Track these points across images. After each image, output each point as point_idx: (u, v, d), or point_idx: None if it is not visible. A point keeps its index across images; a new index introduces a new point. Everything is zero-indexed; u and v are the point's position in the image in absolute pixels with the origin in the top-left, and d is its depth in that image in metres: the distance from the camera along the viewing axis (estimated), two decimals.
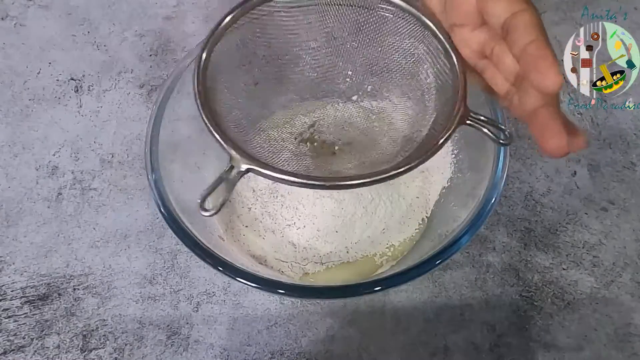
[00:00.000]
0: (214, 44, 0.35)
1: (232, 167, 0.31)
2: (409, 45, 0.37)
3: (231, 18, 0.35)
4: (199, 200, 0.31)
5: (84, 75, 0.55)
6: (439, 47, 0.35)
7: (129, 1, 0.59)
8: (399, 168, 0.32)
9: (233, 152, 0.32)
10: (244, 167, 0.31)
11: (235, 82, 0.38)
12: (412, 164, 0.32)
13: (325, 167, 0.39)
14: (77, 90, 0.54)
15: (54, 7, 0.58)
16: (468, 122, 0.32)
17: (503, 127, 0.33)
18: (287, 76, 0.41)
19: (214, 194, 0.47)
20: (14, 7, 0.58)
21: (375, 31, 0.38)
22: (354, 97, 0.43)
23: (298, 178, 0.31)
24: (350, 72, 0.41)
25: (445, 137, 0.32)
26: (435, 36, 0.35)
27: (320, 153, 0.42)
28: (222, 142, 0.32)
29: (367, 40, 0.38)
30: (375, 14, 0.37)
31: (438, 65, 0.35)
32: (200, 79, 0.34)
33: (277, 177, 0.31)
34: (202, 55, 0.34)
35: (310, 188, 0.32)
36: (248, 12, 0.36)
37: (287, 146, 0.40)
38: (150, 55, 0.56)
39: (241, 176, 0.31)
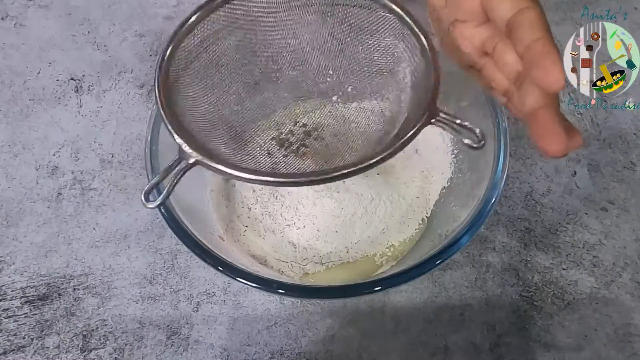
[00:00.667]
0: (187, 32, 0.34)
1: (179, 159, 0.31)
2: (389, 43, 0.36)
3: (203, 11, 0.35)
4: (143, 192, 0.31)
5: (84, 75, 0.55)
6: (417, 44, 0.34)
7: (129, 1, 0.59)
8: (355, 166, 0.31)
9: (182, 142, 0.31)
10: (192, 159, 0.31)
11: (209, 77, 0.37)
12: (367, 164, 0.31)
13: (298, 168, 0.38)
14: (77, 90, 0.54)
15: (54, 7, 0.58)
16: (435, 122, 0.31)
17: (473, 129, 0.32)
18: (266, 74, 0.40)
19: (216, 191, 0.47)
20: (14, 7, 0.58)
21: (356, 30, 0.37)
22: (334, 98, 0.42)
23: (250, 174, 0.31)
24: (331, 72, 0.40)
25: (408, 136, 0.31)
26: (414, 34, 0.34)
27: (294, 153, 0.41)
28: (173, 132, 0.31)
29: (348, 39, 0.38)
30: (355, 11, 0.36)
31: (414, 63, 0.35)
32: (164, 66, 0.33)
33: (227, 172, 0.31)
34: (170, 41, 0.34)
35: (261, 184, 0.32)
36: (222, 6, 0.35)
37: (261, 147, 0.40)
38: (150, 55, 0.56)
39: (188, 168, 0.31)
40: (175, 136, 0.31)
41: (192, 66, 0.36)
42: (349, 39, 0.38)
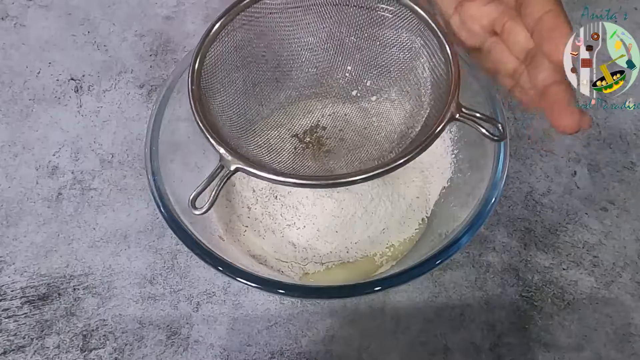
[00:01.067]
0: (210, 43, 0.35)
1: (221, 167, 0.32)
2: (406, 39, 0.37)
3: (227, 17, 0.36)
4: (190, 199, 0.31)
5: (84, 75, 0.55)
6: (435, 40, 0.34)
7: (129, 1, 0.59)
8: (390, 165, 0.31)
9: (223, 151, 0.32)
10: (233, 166, 0.32)
11: (233, 81, 0.38)
12: (403, 160, 0.31)
13: (323, 166, 0.39)
14: (77, 90, 0.54)
15: (54, 7, 0.58)
16: (459, 117, 0.32)
17: (497, 120, 0.33)
18: (287, 73, 0.41)
19: (216, 193, 0.47)
20: (14, 7, 0.58)
21: (373, 26, 0.38)
22: (354, 92, 0.43)
23: (289, 178, 0.32)
24: (349, 67, 0.41)
25: (436, 132, 0.32)
26: (431, 30, 0.34)
27: (319, 151, 0.42)
28: (213, 142, 0.32)
29: (366, 35, 0.39)
30: (374, 12, 0.37)
31: (434, 60, 0.35)
32: (195, 78, 0.34)
33: (267, 177, 0.32)
34: (197, 54, 0.35)
35: (302, 187, 0.33)
36: (244, 10, 0.36)
37: (285, 145, 0.40)
38: (150, 55, 0.56)
39: (230, 175, 0.32)
40: (216, 145, 0.32)
41: (218, 73, 0.36)
42: (366, 35, 0.39)
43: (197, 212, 0.31)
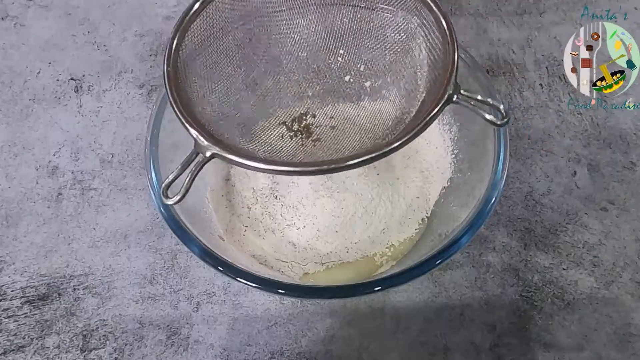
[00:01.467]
0: (190, 22, 0.33)
1: (196, 153, 0.30)
2: (401, 18, 0.35)
3: None
4: (162, 187, 0.30)
5: (84, 75, 0.55)
6: (432, 18, 0.33)
7: (129, 1, 0.59)
8: (381, 149, 0.30)
9: (198, 136, 0.30)
10: (208, 152, 0.30)
11: (216, 64, 0.36)
12: (397, 144, 0.30)
13: (311, 155, 0.37)
14: (77, 90, 0.54)
15: (54, 7, 0.58)
16: (458, 99, 0.30)
17: (497, 104, 0.31)
18: (275, 56, 0.39)
19: (216, 191, 0.47)
20: (14, 7, 0.58)
21: (367, 5, 0.36)
22: (347, 78, 0.41)
23: (268, 165, 0.30)
24: (342, 51, 0.39)
25: (433, 114, 0.30)
26: (429, 8, 0.33)
27: (307, 140, 0.40)
28: (187, 125, 0.30)
29: (359, 15, 0.37)
30: None
31: (431, 39, 0.34)
32: (172, 59, 0.32)
33: (244, 164, 0.30)
34: (174, 33, 0.33)
35: (282, 174, 0.30)
36: None
37: (271, 133, 0.38)
38: (150, 55, 0.56)
39: (206, 162, 0.30)
40: (190, 129, 0.30)
41: (200, 55, 0.34)
42: (359, 16, 0.37)
43: (169, 202, 0.29)
